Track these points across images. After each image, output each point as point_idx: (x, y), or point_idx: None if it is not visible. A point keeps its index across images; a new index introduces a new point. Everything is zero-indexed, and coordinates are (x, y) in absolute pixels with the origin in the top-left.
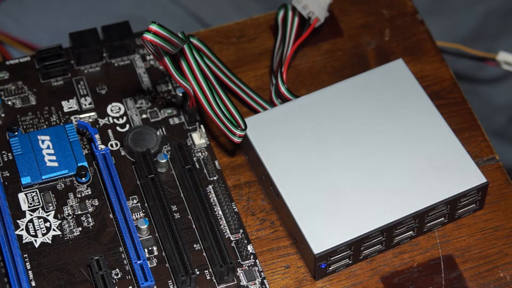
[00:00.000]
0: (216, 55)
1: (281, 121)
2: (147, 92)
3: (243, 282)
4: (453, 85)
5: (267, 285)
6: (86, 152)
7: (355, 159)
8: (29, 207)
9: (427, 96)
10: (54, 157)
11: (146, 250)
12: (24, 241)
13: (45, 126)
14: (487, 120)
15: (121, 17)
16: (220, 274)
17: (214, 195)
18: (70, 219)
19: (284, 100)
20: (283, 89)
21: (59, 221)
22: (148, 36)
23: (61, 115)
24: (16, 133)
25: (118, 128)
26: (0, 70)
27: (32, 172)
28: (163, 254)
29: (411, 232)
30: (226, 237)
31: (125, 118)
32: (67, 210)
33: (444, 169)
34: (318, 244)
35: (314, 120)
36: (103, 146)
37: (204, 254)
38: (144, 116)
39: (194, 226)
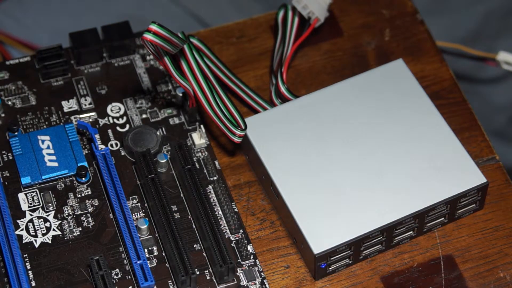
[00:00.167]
0: (216, 55)
1: (281, 121)
2: (147, 92)
3: (243, 282)
4: (453, 85)
5: (267, 285)
6: (86, 152)
7: (355, 159)
8: (29, 207)
9: (427, 96)
10: (54, 157)
11: (146, 250)
12: (24, 241)
13: (45, 126)
14: (487, 120)
15: (121, 17)
16: (220, 274)
17: (214, 195)
18: (70, 219)
19: (284, 100)
20: (283, 89)
21: (59, 221)
22: (148, 36)
23: (61, 115)
24: (16, 133)
25: (118, 128)
26: (0, 70)
27: (32, 172)
28: (163, 254)
29: (411, 232)
30: (226, 237)
31: (125, 118)
32: (67, 210)
33: (444, 169)
34: (318, 244)
35: (314, 120)
36: (103, 146)
37: (204, 254)
38: (144, 116)
39: (194, 226)
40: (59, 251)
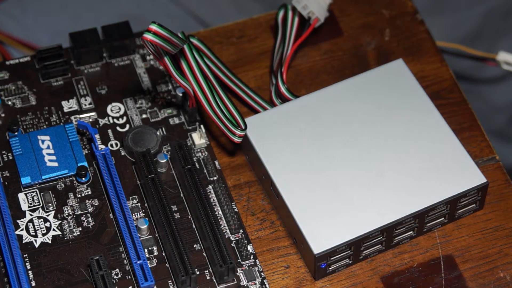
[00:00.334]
0: (216, 55)
1: (281, 121)
2: (147, 92)
3: (243, 282)
4: (453, 85)
5: (267, 285)
6: (86, 152)
7: (355, 159)
8: (29, 207)
9: (427, 96)
10: (54, 157)
11: (146, 250)
12: (24, 241)
13: (45, 126)
14: (487, 120)
15: (121, 17)
16: (220, 274)
17: (214, 195)
18: (70, 219)
19: (284, 100)
20: (283, 89)
21: (59, 221)
22: (148, 36)
23: (61, 115)
24: (16, 133)
25: (118, 128)
26: (0, 70)
27: (32, 172)
28: (163, 254)
29: (411, 232)
30: (226, 237)
31: (125, 118)
32: (67, 210)
33: (444, 169)
34: (318, 244)
35: (314, 120)
36: (103, 146)
37: (204, 254)
38: (144, 116)
39: (194, 226)
40: (59, 251)
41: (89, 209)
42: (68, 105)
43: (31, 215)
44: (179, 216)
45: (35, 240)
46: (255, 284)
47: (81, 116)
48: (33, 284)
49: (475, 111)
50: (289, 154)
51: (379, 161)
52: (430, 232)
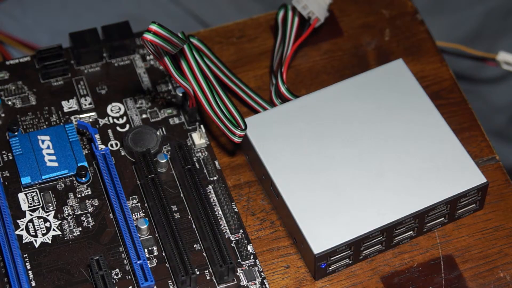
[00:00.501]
0: (216, 55)
1: (281, 121)
2: (147, 92)
3: (243, 282)
4: (453, 85)
5: (267, 285)
6: (86, 152)
7: (355, 159)
8: (29, 207)
9: (427, 96)
10: (54, 157)
11: (146, 250)
12: (24, 241)
13: (45, 126)
14: (487, 120)
15: (121, 17)
16: (220, 274)
17: (214, 195)
18: (70, 219)
19: (284, 100)
20: (283, 89)
21: (59, 221)
22: (148, 36)
23: (61, 115)
24: (16, 133)
25: (118, 128)
26: (0, 70)
27: (32, 172)
28: (163, 254)
29: (411, 232)
30: (226, 237)
31: (125, 118)
32: (67, 210)
33: (444, 169)
34: (318, 244)
35: (314, 120)
36: (103, 146)
37: (204, 254)
38: (144, 116)
39: (194, 226)
40: (59, 251)
41: (89, 209)
42: (68, 105)
43: (31, 215)
44: (179, 216)
45: (35, 240)
46: (255, 284)
47: (81, 116)
48: (33, 284)
49: (475, 111)
50: (289, 154)
51: (379, 161)
52: (430, 232)
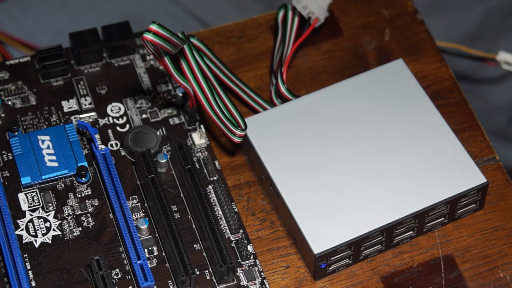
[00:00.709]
0: (216, 55)
1: (281, 121)
2: (147, 92)
3: (243, 282)
4: (453, 85)
5: (267, 285)
6: (86, 152)
7: (355, 159)
8: (29, 207)
9: (427, 96)
10: (54, 157)
11: (146, 250)
12: (24, 241)
13: (45, 126)
14: (487, 120)
15: (121, 17)
16: (220, 274)
17: (214, 195)
18: (70, 219)
19: (284, 100)
20: (283, 89)
21: (59, 221)
22: (148, 36)
23: (61, 115)
24: (16, 133)
25: (118, 128)
26: (0, 70)
27: (32, 172)
28: (163, 254)
29: (411, 232)
30: (226, 237)
31: (125, 118)
32: (67, 210)
33: (444, 169)
34: (318, 244)
35: (314, 120)
36: (103, 146)
37: (204, 254)
38: (144, 116)
39: (194, 226)
40: (59, 251)
41: (89, 209)
42: (68, 105)
43: (31, 215)
44: (179, 216)
45: (35, 240)
46: (255, 284)
47: (81, 116)
48: (33, 284)
49: (475, 111)
50: (289, 154)
51: (379, 161)
52: (430, 232)
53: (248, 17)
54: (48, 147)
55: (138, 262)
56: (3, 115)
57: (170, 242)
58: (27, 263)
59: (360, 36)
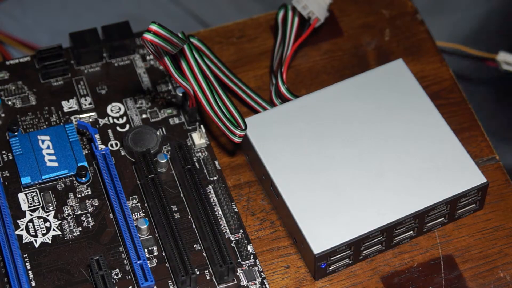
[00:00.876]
0: (216, 55)
1: (281, 121)
2: (147, 92)
3: (243, 282)
4: (453, 85)
5: (267, 285)
6: (86, 152)
7: (355, 159)
8: (29, 207)
9: (427, 96)
10: (54, 157)
11: (146, 250)
12: (24, 241)
13: (45, 126)
14: (487, 120)
15: (121, 17)
16: (220, 274)
17: (214, 195)
18: (70, 219)
19: (284, 100)
20: (283, 89)
21: (59, 221)
22: (148, 36)
23: (61, 115)
24: (16, 133)
25: (118, 128)
26: (0, 70)
27: (32, 172)
28: (163, 254)
29: (411, 232)
30: (226, 237)
31: (125, 118)
32: (67, 210)
33: (444, 169)
34: (318, 244)
35: (314, 120)
36: (103, 146)
37: (204, 254)
38: (144, 116)
39: (194, 226)
40: (59, 251)
41: (89, 209)
42: (68, 105)
43: (31, 215)
44: (179, 216)
45: (35, 240)
46: (255, 284)
47: (81, 116)
48: (33, 284)
49: (475, 111)
50: (289, 154)
51: (379, 161)
52: (430, 232)
53: (248, 17)
54: (48, 147)
55: (138, 262)
56: (3, 115)
57: (170, 242)
58: (27, 263)
59: (360, 36)
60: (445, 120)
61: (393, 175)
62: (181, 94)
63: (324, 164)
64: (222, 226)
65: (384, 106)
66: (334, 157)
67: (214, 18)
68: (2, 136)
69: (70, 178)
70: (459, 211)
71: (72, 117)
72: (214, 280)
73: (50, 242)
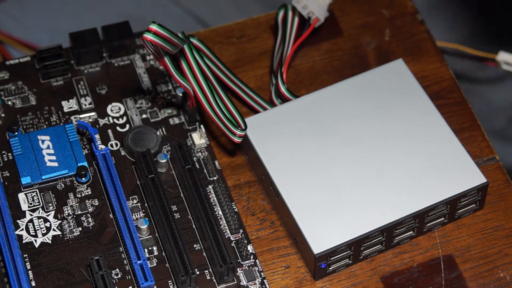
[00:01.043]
0: (216, 55)
1: (281, 121)
2: (147, 92)
3: (243, 282)
4: (453, 85)
5: (267, 285)
6: (86, 152)
7: (355, 159)
8: (29, 207)
9: (427, 96)
10: (54, 157)
11: (146, 250)
12: (24, 241)
13: (45, 126)
14: (487, 120)
15: (121, 17)
16: (220, 274)
17: (214, 195)
18: (70, 219)
19: (284, 100)
20: (283, 89)
21: (59, 221)
22: (148, 36)
23: (61, 115)
24: (16, 133)
25: (118, 128)
26: (0, 70)
27: (32, 172)
28: (163, 254)
29: (411, 232)
30: (226, 237)
31: (125, 118)
32: (67, 210)
33: (444, 169)
34: (318, 244)
35: (314, 120)
36: (103, 146)
37: (204, 254)
38: (144, 116)
39: (194, 226)
40: (59, 251)
41: (89, 209)
42: (68, 105)
43: (31, 215)
44: (179, 216)
45: (35, 240)
46: (255, 284)
47: (81, 116)
48: (33, 284)
49: (475, 111)
50: (289, 154)
51: (379, 161)
52: (430, 232)
53: (248, 17)
54: (48, 147)
55: (138, 262)
56: (3, 115)
57: (170, 242)
58: (27, 263)
59: (360, 36)
60: (445, 120)
61: (393, 175)
62: (181, 94)
63: (324, 164)
64: (222, 226)
65: (384, 106)
66: (334, 157)
67: (214, 18)
68: (2, 136)
69: (70, 178)
70: (459, 211)
71: (72, 117)
72: (214, 280)
73: (50, 242)
